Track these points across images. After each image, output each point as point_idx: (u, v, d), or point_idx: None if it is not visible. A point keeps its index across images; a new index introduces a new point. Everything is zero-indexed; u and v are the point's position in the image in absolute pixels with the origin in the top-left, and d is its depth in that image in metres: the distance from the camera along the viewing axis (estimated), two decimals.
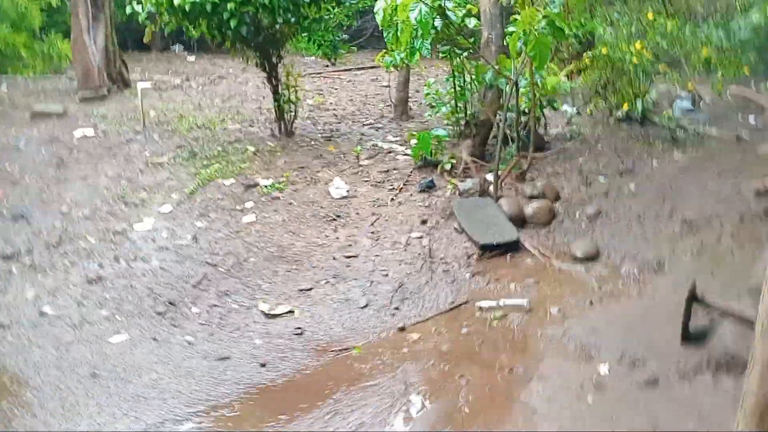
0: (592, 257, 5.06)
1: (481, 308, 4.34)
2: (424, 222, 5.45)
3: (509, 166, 5.96)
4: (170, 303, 4.32)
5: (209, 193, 5.89)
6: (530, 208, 5.60)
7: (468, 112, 6.49)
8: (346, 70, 12.21)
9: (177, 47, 15.43)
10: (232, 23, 6.07)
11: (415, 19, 4.83)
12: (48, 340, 3.82)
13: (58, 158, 6.96)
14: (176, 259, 4.90)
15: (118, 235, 5.28)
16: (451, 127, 6.74)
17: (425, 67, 10.41)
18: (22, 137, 7.61)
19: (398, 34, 5.23)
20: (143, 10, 6.50)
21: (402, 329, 4.07)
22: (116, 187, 6.16)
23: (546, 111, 6.68)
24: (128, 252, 5.04)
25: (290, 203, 5.64)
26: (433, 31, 5.28)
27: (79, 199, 5.93)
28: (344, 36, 11.21)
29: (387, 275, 4.71)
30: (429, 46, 5.42)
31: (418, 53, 5.47)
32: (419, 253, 5.02)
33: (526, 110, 6.23)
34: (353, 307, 4.31)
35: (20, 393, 3.30)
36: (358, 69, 11.91)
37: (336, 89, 10.48)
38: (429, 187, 5.90)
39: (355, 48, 12.80)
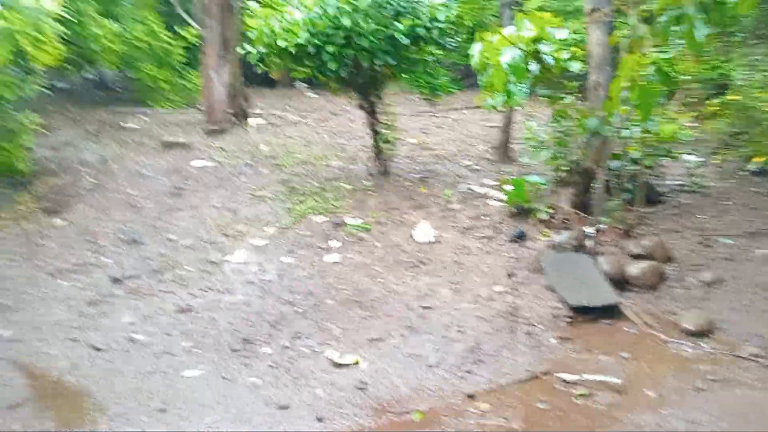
0: (704, 332, 4.45)
1: (564, 381, 3.94)
2: (510, 275, 5.13)
3: (613, 219, 5.46)
4: (245, 340, 4.42)
5: (300, 229, 6.04)
6: (634, 269, 5.07)
7: (570, 158, 6.08)
8: (456, 109, 12.16)
9: (300, 84, 16.36)
10: (332, 66, 6.25)
11: (507, 64, 4.63)
12: (131, 368, 4.06)
13: (175, 187, 7.58)
14: (259, 294, 5.05)
15: (212, 265, 5.57)
16: (551, 174, 6.35)
17: (536, 107, 10.03)
18: (150, 165, 8.40)
19: (492, 78, 5.06)
20: (256, 52, 6.92)
21: (471, 397, 3.79)
22: (219, 218, 6.54)
23: (663, 160, 6.08)
24: (218, 283, 5.29)
25: (374, 245, 5.61)
26: (530, 75, 5.04)
27: (185, 228, 6.36)
28: (453, 75, 11.18)
29: (463, 332, 4.47)
30: (525, 90, 5.16)
31: (514, 97, 5.25)
32: (501, 310, 4.71)
33: (639, 159, 5.71)
34: (422, 365, 4.11)
35: (97, 421, 3.50)
36: (468, 108, 11.79)
37: (441, 128, 10.43)
38: (520, 237, 5.57)
39: (464, 87, 12.72)
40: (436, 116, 11.36)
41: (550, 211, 5.78)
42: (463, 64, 15.40)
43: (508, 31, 5.26)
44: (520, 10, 7.87)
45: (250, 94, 11.80)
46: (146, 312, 4.84)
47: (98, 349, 4.27)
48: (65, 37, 9.45)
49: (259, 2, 6.53)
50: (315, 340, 4.43)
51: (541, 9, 11.98)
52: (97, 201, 7.29)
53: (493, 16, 14.84)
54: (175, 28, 13.22)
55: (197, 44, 12.95)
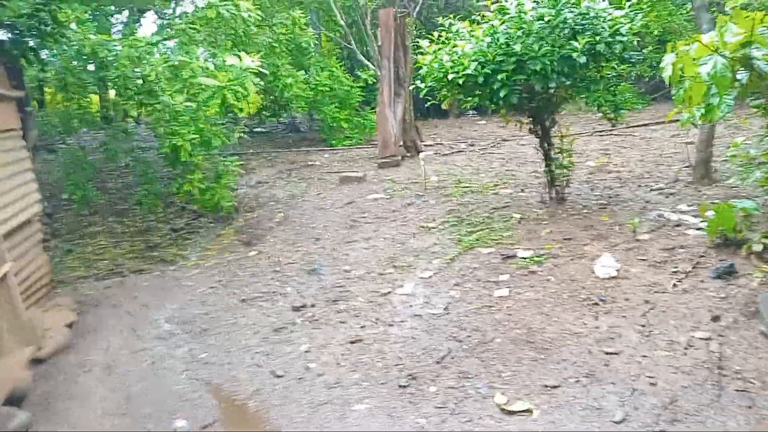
0: None
1: None
2: (715, 319, 4.33)
3: None
4: (412, 377, 4.35)
5: (467, 261, 5.88)
6: None
7: None
8: (641, 125, 11.05)
9: (471, 112, 16.41)
10: (503, 92, 6.06)
11: (708, 74, 3.98)
12: (306, 397, 4.24)
13: (351, 220, 7.98)
14: (426, 329, 4.96)
15: (382, 297, 5.66)
16: (764, 197, 5.32)
17: (744, 118, 8.64)
18: (330, 200, 9.00)
19: (689, 91, 4.41)
20: (425, 86, 7.04)
21: None
22: (390, 250, 6.67)
23: None
24: (387, 315, 5.34)
25: (548, 279, 5.19)
26: (737, 85, 4.29)
27: (359, 259, 6.61)
28: (639, 90, 10.18)
29: (655, 384, 3.85)
30: (730, 103, 4.39)
31: (716, 110, 4.50)
32: (704, 361, 3.97)
33: None
34: (605, 420, 3.61)
35: None
36: (657, 124, 10.63)
37: (625, 148, 9.52)
38: (728, 273, 4.70)
39: (651, 101, 11.51)
40: (620, 135, 10.42)
41: (767, 241, 4.80)
42: (649, 76, 14.06)
43: (707, 37, 4.56)
44: (721, 12, 6.85)
45: (422, 126, 12.13)
46: (321, 341, 5.06)
47: (278, 376, 4.54)
48: (263, 88, 10.66)
49: (431, 40, 6.64)
50: (483, 382, 4.18)
51: (746, 7, 10.40)
52: (285, 233, 7.98)
53: (687, 21, 13.32)
54: (356, 70, 14.25)
55: (374, 83, 13.79)
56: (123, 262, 7.78)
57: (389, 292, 5.67)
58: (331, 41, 14.13)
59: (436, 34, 6.90)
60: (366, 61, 11.88)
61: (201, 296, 6.31)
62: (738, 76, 4.26)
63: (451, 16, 7.32)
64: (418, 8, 10.98)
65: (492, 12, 6.08)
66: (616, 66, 6.55)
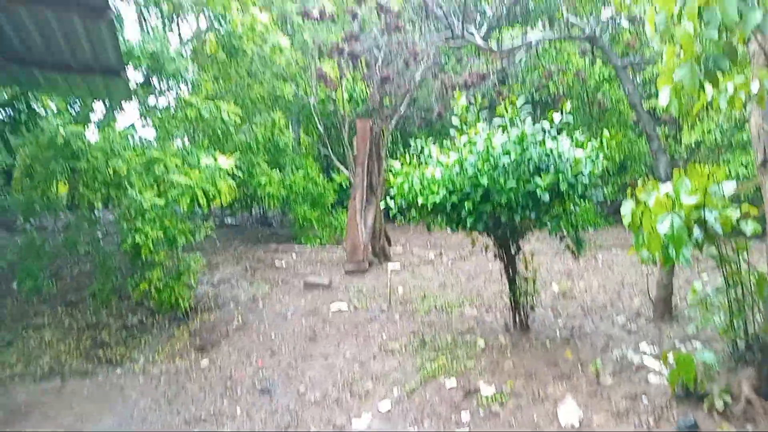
0: None
1: None
2: None
3: None
4: None
5: (429, 392, 5.66)
6: None
7: (749, 331, 5.08)
8: (604, 247, 11.34)
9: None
10: (470, 220, 6.15)
11: (664, 234, 4.11)
12: None
13: (312, 331, 7.72)
14: None
15: (336, 429, 5.34)
16: (724, 348, 5.35)
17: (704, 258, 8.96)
18: (292, 307, 8.76)
19: (648, 241, 4.52)
20: (395, 206, 7.13)
21: None
22: (349, 371, 6.41)
23: None
24: None
25: (510, 423, 4.99)
26: (693, 240, 4.42)
27: (315, 379, 6.31)
28: (601, 211, 10.55)
29: None
30: (687, 256, 4.51)
31: (674, 260, 4.61)
32: None
33: None
34: None
35: None
36: (617, 246, 10.93)
37: (588, 271, 9.67)
38: (691, 429, 4.59)
39: (614, 222, 11.92)
40: (583, 256, 10.63)
41: (728, 397, 4.76)
42: (611, 199, 14.67)
43: (664, 188, 4.77)
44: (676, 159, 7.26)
45: (392, 230, 12.21)
46: None
47: None
48: (237, 182, 10.66)
49: (402, 161, 6.81)
50: None
51: (698, 146, 11.14)
52: (241, 341, 7.65)
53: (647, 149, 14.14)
54: (331, 170, 14.52)
55: (347, 186, 14.01)
56: (67, 360, 7.29)
57: (344, 425, 5.36)
58: (308, 142, 14.47)
59: (407, 154, 7.09)
60: (341, 165, 12.12)
61: (143, 412, 5.87)
62: (695, 232, 4.42)
63: (425, 134, 7.58)
64: (394, 121, 11.40)
65: (462, 144, 6.30)
66: (577, 202, 6.75)
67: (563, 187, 5.86)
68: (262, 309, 8.76)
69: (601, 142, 6.32)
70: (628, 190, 5.02)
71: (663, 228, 4.15)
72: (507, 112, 6.29)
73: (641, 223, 4.68)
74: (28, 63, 6.94)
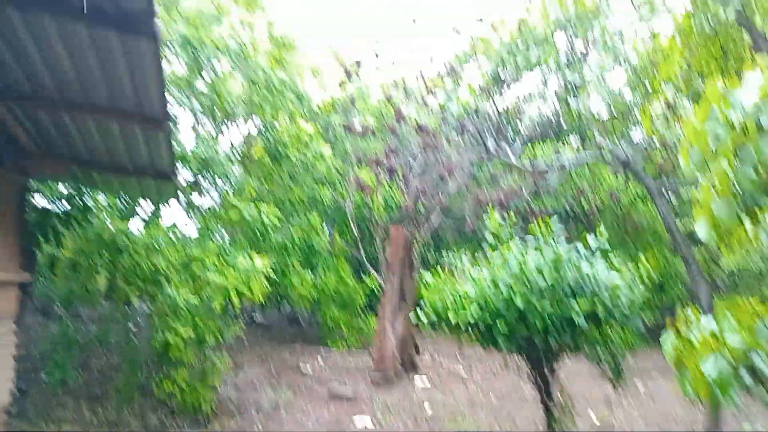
0: None
1: None
2: None
3: None
4: None
5: None
6: None
7: None
8: (645, 374, 10.79)
9: None
10: (503, 342, 6.00)
11: (710, 376, 3.90)
12: None
13: None
14: None
15: None
16: None
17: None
18: (314, 418, 8.47)
19: (694, 385, 4.29)
20: (427, 321, 7.02)
21: None
22: None
23: None
24: None
25: None
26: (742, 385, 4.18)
27: None
28: (641, 328, 10.14)
29: None
30: (737, 400, 4.24)
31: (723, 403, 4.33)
32: None
33: None
34: None
35: None
36: (660, 371, 10.39)
37: (628, 399, 9.14)
38: None
39: (653, 343, 11.41)
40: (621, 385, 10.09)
41: None
42: (650, 320, 14.14)
43: (706, 322, 4.58)
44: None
45: (419, 338, 11.93)
46: None
47: None
48: (269, 281, 10.79)
49: (433, 274, 6.82)
50: None
51: (740, 273, 10.77)
52: None
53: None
54: (362, 273, 14.57)
55: (377, 289, 13.98)
56: None
57: None
58: (341, 244, 14.69)
59: (439, 266, 7.09)
60: (372, 270, 12.19)
61: None
62: (743, 376, 4.17)
63: (458, 245, 7.59)
64: (427, 230, 11.57)
65: (496, 262, 6.29)
66: (614, 326, 6.54)
67: (600, 312, 5.72)
68: (283, 418, 8.49)
69: (638, 266, 6.23)
70: (668, 320, 4.85)
71: (708, 370, 3.94)
72: (540, 231, 6.32)
73: (684, 359, 4.48)
74: (89, 164, 7.47)
